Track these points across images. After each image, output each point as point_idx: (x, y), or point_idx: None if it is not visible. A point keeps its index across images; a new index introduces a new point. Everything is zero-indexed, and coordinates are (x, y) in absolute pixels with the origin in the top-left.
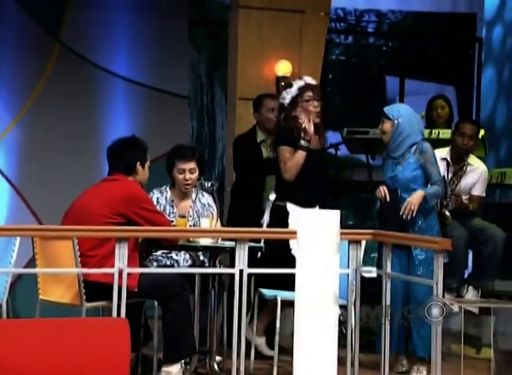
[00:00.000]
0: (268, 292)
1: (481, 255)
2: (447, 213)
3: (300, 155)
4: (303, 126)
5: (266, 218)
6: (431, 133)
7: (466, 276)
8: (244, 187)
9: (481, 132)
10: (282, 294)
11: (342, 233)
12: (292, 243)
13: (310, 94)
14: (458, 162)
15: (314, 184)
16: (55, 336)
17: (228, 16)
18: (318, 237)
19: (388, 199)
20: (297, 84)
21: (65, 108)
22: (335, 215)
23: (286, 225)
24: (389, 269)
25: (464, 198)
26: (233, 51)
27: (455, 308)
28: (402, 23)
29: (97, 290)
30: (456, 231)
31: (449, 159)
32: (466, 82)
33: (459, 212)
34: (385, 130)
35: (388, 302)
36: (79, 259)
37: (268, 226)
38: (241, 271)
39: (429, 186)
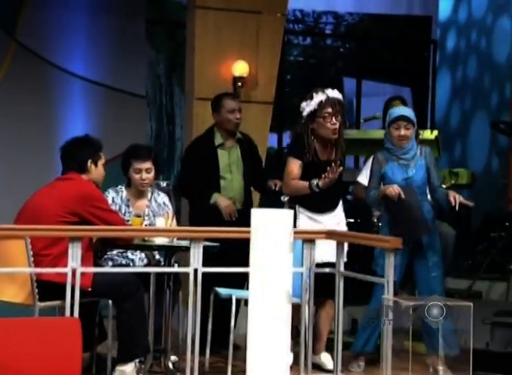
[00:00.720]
0: (223, 291)
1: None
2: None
3: (304, 188)
4: (312, 145)
5: None
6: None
7: None
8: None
9: (435, 133)
10: (237, 293)
11: (296, 233)
12: None
13: (329, 110)
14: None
15: (324, 194)
16: (6, 336)
17: (186, 16)
18: (271, 236)
19: (403, 196)
20: (318, 98)
21: (20, 107)
22: (288, 214)
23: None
24: (342, 268)
25: None
26: (191, 51)
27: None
28: (359, 25)
29: (51, 289)
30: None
31: None
32: (421, 83)
33: None
34: (409, 135)
35: (341, 300)
36: (32, 259)
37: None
38: (196, 270)
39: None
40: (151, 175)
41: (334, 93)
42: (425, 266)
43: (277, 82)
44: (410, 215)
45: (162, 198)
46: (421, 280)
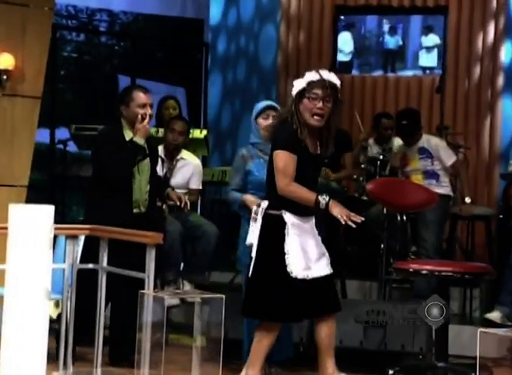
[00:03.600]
0: None
1: (195, 251)
2: (164, 207)
3: (307, 200)
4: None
5: (256, 227)
6: (157, 131)
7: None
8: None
9: (204, 132)
10: None
11: (58, 228)
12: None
13: (318, 91)
14: (171, 158)
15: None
16: None
17: None
18: (29, 232)
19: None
20: (309, 77)
21: None
22: (48, 209)
23: (281, 235)
24: (105, 264)
25: (183, 191)
26: None
27: (175, 300)
28: (133, 24)
29: None
30: (172, 226)
31: (163, 156)
32: (195, 84)
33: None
34: None
35: (103, 296)
36: None
37: (260, 236)
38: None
39: None
40: None
41: (330, 75)
42: None
43: (50, 77)
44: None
45: None
46: None
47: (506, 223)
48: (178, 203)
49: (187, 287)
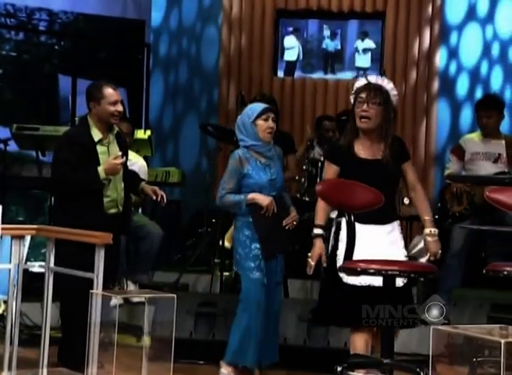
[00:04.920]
0: None
1: (139, 251)
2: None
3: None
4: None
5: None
6: None
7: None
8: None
9: (148, 132)
10: None
11: (4, 229)
12: None
13: (363, 95)
14: None
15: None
16: None
17: None
18: None
19: (275, 211)
20: (357, 84)
21: None
22: None
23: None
24: (52, 264)
25: None
26: None
27: (118, 300)
28: (74, 24)
29: None
30: None
31: None
32: (136, 85)
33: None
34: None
35: (50, 296)
36: None
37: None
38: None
39: None
40: None
41: (377, 79)
42: (274, 270)
43: None
44: (276, 231)
45: None
46: (268, 282)
47: (442, 224)
48: (154, 197)
49: (131, 287)
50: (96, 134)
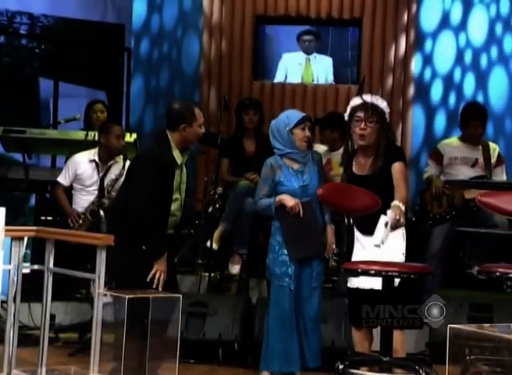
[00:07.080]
0: None
1: None
2: (101, 212)
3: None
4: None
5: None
6: (87, 135)
7: None
8: None
9: (134, 136)
10: None
11: (5, 230)
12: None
13: (360, 114)
14: (106, 162)
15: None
16: None
17: None
18: None
19: (301, 215)
20: (352, 103)
21: None
22: (0, 212)
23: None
24: (51, 265)
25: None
26: None
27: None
28: (54, 28)
29: None
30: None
31: (97, 160)
32: (116, 88)
33: None
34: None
35: (49, 297)
36: None
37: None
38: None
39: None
40: None
41: (372, 98)
42: (309, 274)
43: None
44: (304, 234)
45: None
46: (302, 287)
47: (421, 225)
48: None
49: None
50: (178, 157)
